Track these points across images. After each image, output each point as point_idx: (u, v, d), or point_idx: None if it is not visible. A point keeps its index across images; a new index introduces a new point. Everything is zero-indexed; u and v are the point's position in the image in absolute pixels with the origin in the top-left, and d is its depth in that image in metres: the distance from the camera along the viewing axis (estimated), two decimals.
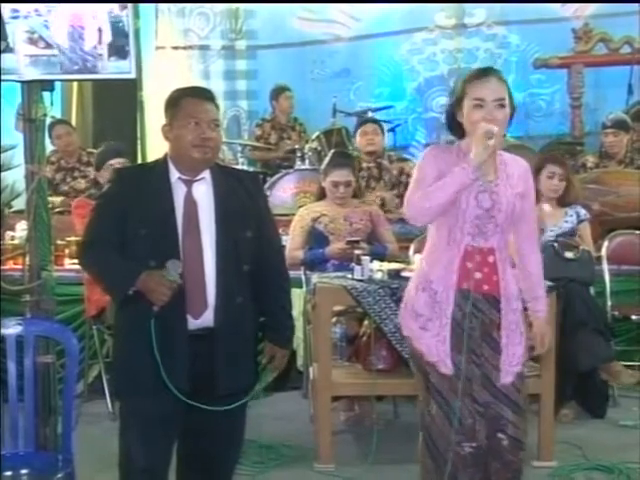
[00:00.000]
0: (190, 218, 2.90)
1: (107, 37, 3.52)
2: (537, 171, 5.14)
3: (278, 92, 8.00)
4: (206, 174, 2.96)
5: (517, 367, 3.05)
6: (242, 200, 2.96)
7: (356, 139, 6.57)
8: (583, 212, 5.18)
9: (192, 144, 2.89)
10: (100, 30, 3.53)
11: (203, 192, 2.94)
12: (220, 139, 3.03)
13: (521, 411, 3.06)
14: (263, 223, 3.04)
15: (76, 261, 5.40)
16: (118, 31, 3.53)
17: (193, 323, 2.88)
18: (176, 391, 2.84)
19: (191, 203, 2.92)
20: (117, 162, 5.01)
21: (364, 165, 6.35)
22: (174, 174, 2.94)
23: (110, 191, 3.06)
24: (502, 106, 2.99)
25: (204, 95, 3.00)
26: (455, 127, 3.09)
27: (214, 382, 2.88)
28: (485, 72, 3.06)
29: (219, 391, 2.89)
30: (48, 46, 3.52)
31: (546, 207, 5.08)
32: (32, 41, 3.52)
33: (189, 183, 2.94)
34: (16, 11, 3.48)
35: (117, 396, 3.29)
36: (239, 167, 6.54)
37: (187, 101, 2.95)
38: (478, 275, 3.01)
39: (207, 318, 2.89)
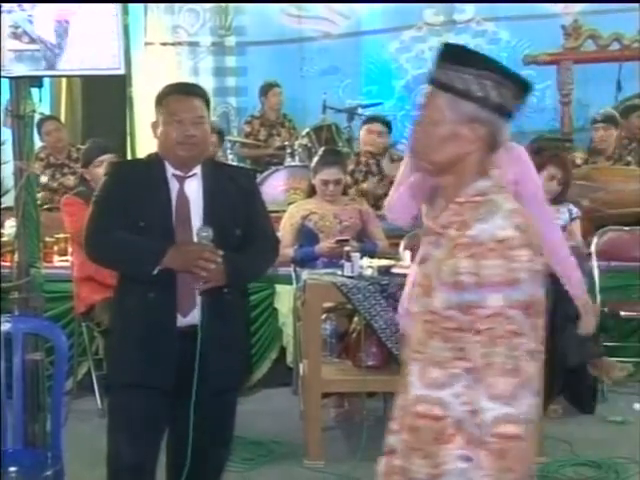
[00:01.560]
0: (182, 214, 2.89)
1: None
2: (537, 170, 5.13)
3: (267, 88, 7.99)
4: (198, 170, 2.95)
5: None
6: (232, 197, 2.94)
7: (360, 133, 6.53)
8: (575, 210, 5.19)
9: (176, 142, 2.88)
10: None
11: (194, 188, 2.93)
12: (206, 135, 2.98)
13: None
14: (257, 220, 3.02)
15: (66, 258, 5.43)
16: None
17: (181, 320, 2.88)
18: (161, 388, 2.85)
19: (183, 199, 2.91)
20: (105, 159, 4.98)
21: (363, 159, 6.35)
22: (169, 170, 2.94)
23: (109, 184, 3.01)
24: None
25: (189, 91, 2.98)
26: None
27: (202, 379, 2.87)
28: None
29: (207, 388, 2.87)
30: (32, 41, 3.51)
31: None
32: (16, 36, 3.50)
33: (182, 179, 2.93)
34: None
35: (107, 391, 3.26)
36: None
37: (172, 99, 2.94)
38: None
39: (195, 315, 2.88)
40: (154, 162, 2.98)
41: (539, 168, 5.12)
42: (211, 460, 3.02)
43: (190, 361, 2.85)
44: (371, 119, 6.60)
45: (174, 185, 2.92)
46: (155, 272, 2.80)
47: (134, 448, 2.90)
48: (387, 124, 6.52)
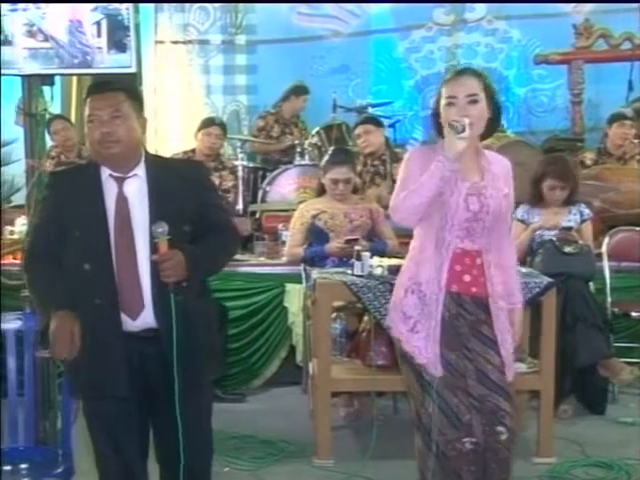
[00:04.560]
0: (122, 216, 2.82)
1: (105, 30, 3.51)
2: (539, 179, 5.13)
3: (300, 90, 7.90)
4: (140, 170, 2.87)
5: (512, 361, 3.10)
6: (178, 193, 2.86)
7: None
8: (587, 211, 5.17)
9: (96, 142, 2.82)
10: (99, 23, 3.52)
11: (136, 189, 2.85)
12: (128, 130, 2.84)
13: (513, 401, 3.09)
14: (210, 212, 2.93)
15: None
16: (117, 24, 3.52)
17: (132, 324, 2.82)
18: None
19: (122, 201, 2.84)
20: None
21: (368, 162, 6.31)
22: (105, 172, 2.86)
23: (46, 196, 2.99)
24: (475, 102, 2.99)
25: (103, 88, 2.88)
26: (438, 128, 3.12)
27: (168, 381, 2.80)
28: (459, 71, 3.11)
29: (163, 391, 2.82)
30: (47, 39, 3.52)
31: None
32: (31, 34, 3.52)
33: (120, 180, 2.86)
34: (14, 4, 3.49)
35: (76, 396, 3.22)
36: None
37: (89, 98, 2.87)
38: (467, 278, 3.03)
39: (146, 318, 2.82)
40: (90, 166, 2.94)
41: (540, 179, 5.14)
42: (194, 460, 2.92)
43: (151, 364, 2.82)
44: (355, 124, 6.56)
45: (112, 187, 2.85)
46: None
47: (111, 453, 2.90)
48: (372, 121, 6.43)
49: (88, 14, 3.50)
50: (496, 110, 3.07)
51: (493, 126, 3.11)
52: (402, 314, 3.08)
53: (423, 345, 3.02)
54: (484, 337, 3.04)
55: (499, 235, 3.12)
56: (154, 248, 2.77)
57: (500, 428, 3.02)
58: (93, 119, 2.83)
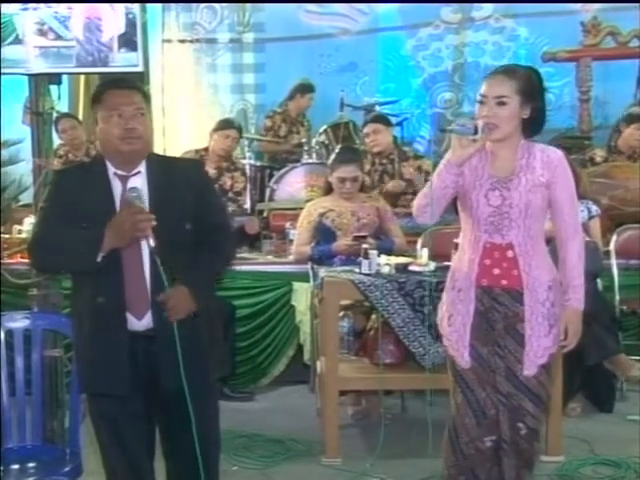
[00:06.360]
0: None
1: (122, 28, 3.52)
2: None
3: (305, 89, 7.90)
4: (142, 167, 2.87)
5: (542, 359, 3.07)
6: (179, 191, 2.86)
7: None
8: (594, 208, 5.14)
9: (118, 137, 2.80)
10: (117, 22, 3.54)
11: (138, 186, 2.84)
12: (148, 128, 2.88)
13: (541, 403, 3.12)
14: (210, 211, 2.93)
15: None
16: (129, 23, 3.54)
17: (138, 324, 2.82)
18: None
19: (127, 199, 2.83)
20: None
21: (376, 161, 6.30)
22: (110, 169, 2.86)
23: (51, 194, 2.96)
24: (502, 103, 2.99)
25: (126, 85, 2.89)
26: None
27: (167, 382, 2.81)
28: (494, 71, 3.11)
29: (167, 391, 2.82)
30: (58, 37, 3.53)
31: None
32: (42, 33, 3.53)
33: (124, 178, 2.85)
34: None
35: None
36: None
37: (109, 94, 2.86)
38: (496, 271, 3.06)
39: (151, 318, 2.82)
40: (96, 164, 2.94)
41: None
42: (201, 458, 2.89)
43: (154, 364, 2.81)
44: (364, 123, 6.54)
45: (117, 185, 2.85)
46: (99, 259, 2.72)
47: (117, 452, 2.90)
48: (381, 120, 6.39)
49: (108, 12, 3.51)
50: (536, 111, 3.04)
51: (534, 125, 3.08)
52: (443, 309, 3.19)
53: (455, 338, 3.11)
54: (518, 335, 3.07)
55: (555, 224, 3.11)
56: (148, 244, 2.75)
57: (519, 424, 3.07)
58: (116, 114, 2.81)
